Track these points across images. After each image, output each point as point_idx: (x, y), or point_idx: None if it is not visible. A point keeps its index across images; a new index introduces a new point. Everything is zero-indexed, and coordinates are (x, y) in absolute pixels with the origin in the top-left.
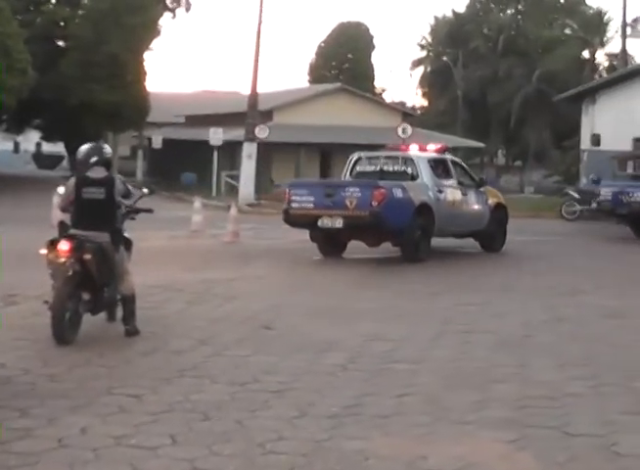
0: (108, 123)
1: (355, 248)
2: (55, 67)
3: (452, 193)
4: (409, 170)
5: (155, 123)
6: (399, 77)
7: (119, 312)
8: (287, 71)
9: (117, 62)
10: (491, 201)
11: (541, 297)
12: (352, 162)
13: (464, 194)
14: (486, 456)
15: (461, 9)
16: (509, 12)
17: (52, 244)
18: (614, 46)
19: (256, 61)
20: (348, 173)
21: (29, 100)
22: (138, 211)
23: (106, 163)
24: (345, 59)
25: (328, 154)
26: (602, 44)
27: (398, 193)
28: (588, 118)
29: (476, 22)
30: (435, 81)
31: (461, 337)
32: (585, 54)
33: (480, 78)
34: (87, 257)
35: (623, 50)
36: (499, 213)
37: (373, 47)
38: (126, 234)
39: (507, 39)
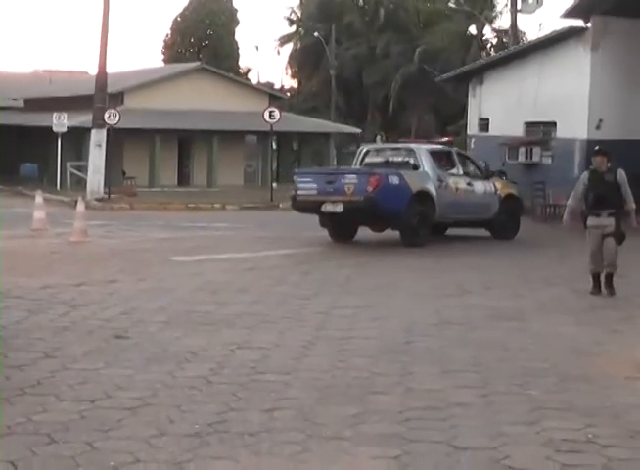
0: None
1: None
2: None
3: (455, 182)
4: (411, 161)
5: None
6: (266, 56)
7: None
8: (139, 49)
9: None
10: (501, 192)
11: (426, 298)
12: (362, 153)
13: (469, 184)
14: None
15: None
16: None
17: None
18: (503, 21)
19: (104, 37)
20: (358, 164)
21: None
22: None
23: None
24: (205, 35)
25: (187, 141)
26: (490, 19)
27: (394, 180)
28: (475, 101)
29: None
30: (306, 60)
31: (337, 344)
32: (472, 30)
33: (355, 56)
34: None
35: (514, 26)
36: (510, 204)
37: (237, 22)
38: None
39: (385, 13)
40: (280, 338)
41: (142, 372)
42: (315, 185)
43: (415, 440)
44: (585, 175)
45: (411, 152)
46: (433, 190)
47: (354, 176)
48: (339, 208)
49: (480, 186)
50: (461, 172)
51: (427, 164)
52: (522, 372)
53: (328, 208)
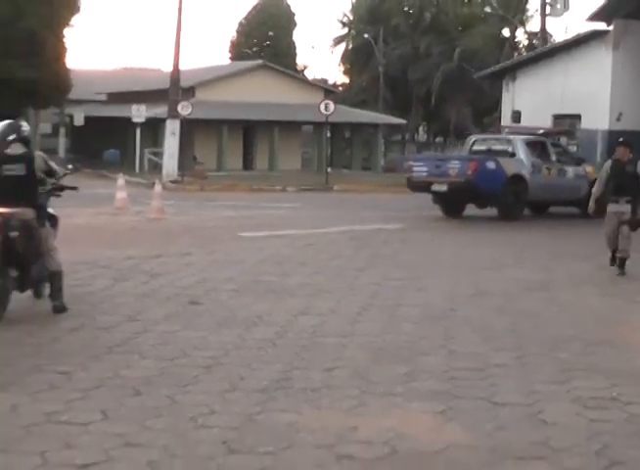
0: (27, 100)
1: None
2: None
3: (548, 167)
4: (509, 149)
5: (76, 100)
6: (321, 55)
7: (47, 290)
8: (208, 48)
9: (36, 38)
10: (591, 176)
11: (465, 270)
12: (471, 143)
13: (561, 169)
14: (416, 428)
15: None
16: None
17: None
18: (533, 25)
19: (178, 37)
20: (468, 151)
21: None
22: (63, 188)
23: (24, 139)
24: (267, 36)
25: (251, 130)
26: (522, 22)
27: (491, 165)
28: (509, 95)
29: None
30: (357, 58)
31: (387, 311)
32: (505, 32)
33: (400, 55)
34: (13, 234)
35: (543, 28)
36: None
37: (294, 24)
38: (51, 211)
39: (427, 17)
40: (337, 305)
41: (215, 334)
42: (426, 168)
43: (459, 396)
44: (608, 164)
45: (509, 142)
46: (526, 174)
47: (457, 161)
48: (444, 187)
49: (570, 171)
50: (554, 159)
51: (522, 152)
52: (552, 338)
53: (436, 187)
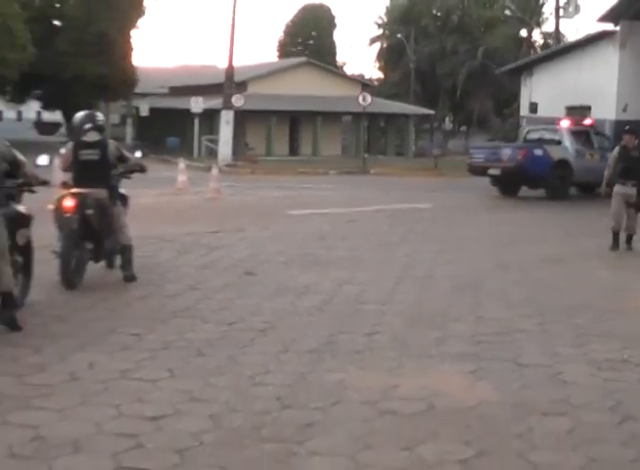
0: (99, 94)
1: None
2: (51, 44)
3: (591, 153)
4: (556, 138)
5: (142, 94)
6: (358, 53)
7: (118, 261)
8: (258, 47)
9: (107, 39)
10: None
11: (489, 245)
12: (525, 132)
13: (602, 155)
14: (449, 386)
15: None
16: None
17: (58, 201)
18: (548, 26)
19: (232, 37)
20: (522, 140)
21: (30, 73)
22: (132, 170)
23: (99, 128)
24: (310, 36)
25: (296, 120)
26: (538, 24)
27: (538, 152)
28: (527, 89)
29: (425, 3)
30: (390, 56)
31: (420, 281)
32: (523, 33)
33: (429, 53)
34: (89, 212)
35: (557, 29)
36: None
37: (334, 26)
38: (123, 191)
39: (453, 19)
40: (375, 276)
41: (268, 302)
42: (483, 155)
43: (486, 358)
44: (616, 150)
45: (556, 131)
46: (571, 159)
47: (509, 149)
48: (498, 171)
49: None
50: (596, 146)
51: (567, 140)
52: (568, 306)
53: (491, 171)
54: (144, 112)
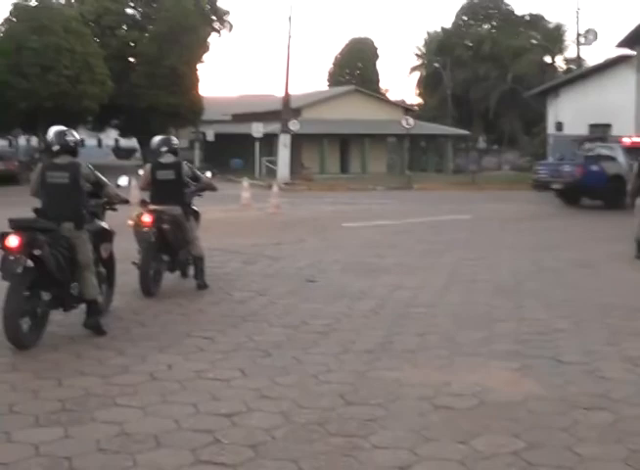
0: (170, 122)
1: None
2: (127, 78)
3: None
4: (611, 154)
5: (208, 121)
6: (399, 80)
7: (191, 271)
8: (310, 76)
9: (176, 73)
10: None
11: (525, 251)
12: (586, 149)
13: None
14: (497, 382)
15: (448, 25)
16: (485, 27)
17: (137, 217)
18: (570, 52)
19: (288, 69)
20: (584, 157)
21: (109, 105)
22: (204, 189)
23: (174, 151)
24: (356, 67)
25: (346, 142)
26: (560, 51)
27: (594, 168)
28: (553, 109)
29: (459, 35)
30: (429, 83)
31: (465, 285)
32: (547, 59)
33: (464, 80)
34: (165, 226)
35: (578, 55)
36: None
37: (378, 57)
38: (195, 207)
39: (484, 48)
40: (424, 281)
41: (328, 306)
42: (547, 171)
43: (530, 356)
44: (636, 165)
45: (611, 148)
46: (624, 174)
47: (568, 166)
48: (560, 186)
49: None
50: None
51: (620, 156)
52: (601, 306)
53: (554, 186)
54: (210, 137)
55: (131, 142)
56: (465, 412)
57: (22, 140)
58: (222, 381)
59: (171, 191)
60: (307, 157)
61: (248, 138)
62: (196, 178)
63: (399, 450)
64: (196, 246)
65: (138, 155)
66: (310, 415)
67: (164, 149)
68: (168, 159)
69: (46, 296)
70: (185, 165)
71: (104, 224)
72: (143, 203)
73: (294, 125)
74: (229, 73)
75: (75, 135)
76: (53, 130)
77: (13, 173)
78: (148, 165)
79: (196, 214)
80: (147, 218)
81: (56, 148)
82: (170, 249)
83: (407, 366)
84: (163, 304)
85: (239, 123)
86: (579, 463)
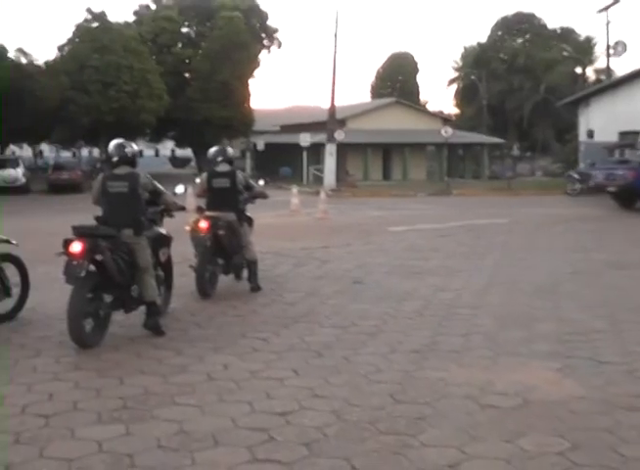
0: (223, 133)
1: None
2: (183, 93)
3: None
4: None
5: (258, 132)
6: (438, 92)
7: (245, 273)
8: (354, 89)
9: (228, 87)
10: None
11: (561, 254)
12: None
13: None
14: (540, 382)
15: (483, 40)
16: (519, 41)
17: (194, 223)
18: (600, 63)
19: (333, 82)
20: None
21: (165, 118)
22: (256, 197)
23: (229, 160)
24: (397, 80)
25: (388, 150)
26: (591, 62)
27: None
28: (584, 118)
29: (494, 49)
30: (465, 94)
31: (505, 286)
32: (578, 70)
33: (499, 91)
34: (220, 232)
35: (608, 66)
36: None
37: (418, 71)
38: (248, 213)
39: (518, 61)
40: (466, 283)
41: (375, 307)
42: (602, 176)
43: (570, 356)
44: None
45: None
46: None
47: (622, 170)
48: (614, 188)
49: None
50: None
51: None
52: (637, 306)
53: (609, 189)
54: (260, 146)
55: (186, 152)
56: (510, 411)
57: (84, 151)
58: (276, 380)
59: (226, 198)
60: (352, 165)
61: (295, 147)
62: (249, 187)
63: (448, 449)
64: (249, 250)
65: (193, 164)
66: (361, 414)
67: (220, 158)
68: (224, 168)
69: (108, 298)
70: (239, 174)
71: (162, 230)
72: (199, 209)
73: (339, 135)
74: (277, 86)
75: (134, 147)
76: (113, 143)
77: (76, 182)
78: (204, 174)
79: (249, 220)
80: (203, 224)
81: (115, 159)
82: (225, 253)
83: (453, 366)
84: (219, 305)
85: (287, 134)
86: (623, 464)
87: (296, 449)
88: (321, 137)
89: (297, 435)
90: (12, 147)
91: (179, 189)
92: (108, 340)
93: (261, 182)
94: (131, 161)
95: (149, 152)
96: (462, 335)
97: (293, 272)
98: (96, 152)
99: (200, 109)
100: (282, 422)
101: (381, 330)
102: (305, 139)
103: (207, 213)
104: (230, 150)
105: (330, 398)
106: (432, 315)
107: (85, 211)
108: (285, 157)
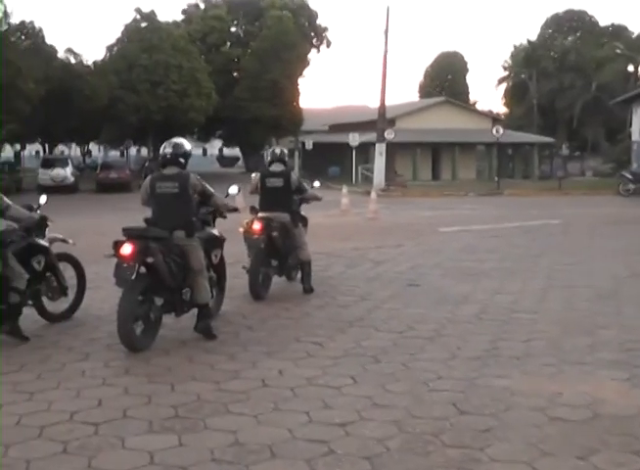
0: (271, 132)
1: None
2: (231, 92)
3: None
4: None
5: (307, 131)
6: (487, 92)
7: (297, 275)
8: (401, 88)
9: (278, 86)
10: None
11: (618, 256)
12: None
13: None
14: (608, 393)
15: (533, 38)
16: (570, 38)
17: (248, 224)
18: None
19: (384, 81)
20: None
21: (213, 117)
22: (309, 200)
23: (282, 160)
24: (446, 79)
25: (437, 150)
26: None
27: None
28: (637, 117)
29: (545, 47)
30: (515, 93)
31: (564, 290)
32: (630, 68)
33: (549, 90)
34: (274, 234)
35: None
36: None
37: (467, 70)
38: (303, 213)
39: (569, 59)
40: (523, 286)
41: (431, 311)
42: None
43: (637, 365)
44: None
45: None
46: None
47: None
48: None
49: None
50: None
51: None
52: None
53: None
54: (309, 146)
55: (234, 151)
56: (580, 425)
57: (132, 151)
58: (333, 388)
59: (279, 198)
60: (400, 164)
61: (344, 147)
62: (301, 190)
63: (517, 464)
64: (304, 251)
65: (240, 163)
66: (424, 425)
67: (275, 158)
68: (278, 167)
69: (159, 301)
70: (293, 175)
71: (215, 231)
72: (253, 210)
73: (389, 134)
74: (325, 86)
75: (186, 147)
76: (165, 143)
77: (124, 182)
78: (258, 173)
79: (304, 220)
80: (257, 226)
81: (166, 159)
82: (279, 254)
83: (515, 374)
84: (271, 307)
85: (335, 133)
86: None
87: (357, 464)
88: (370, 137)
89: (358, 448)
90: (60, 147)
91: (233, 190)
92: (158, 343)
93: (317, 183)
94: (182, 161)
95: (197, 151)
96: (523, 341)
97: (345, 273)
98: (144, 151)
99: (248, 108)
100: (341, 433)
101: (439, 334)
102: (355, 139)
103: (261, 215)
104: (285, 150)
105: (390, 407)
106: (491, 320)
107: (134, 211)
108: (333, 156)
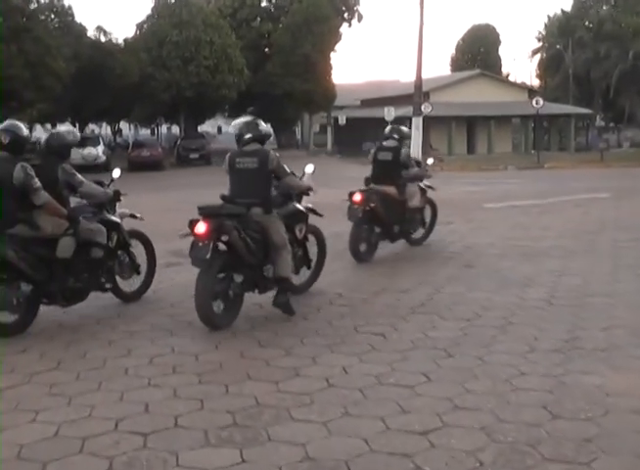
0: (304, 108)
1: None
2: (263, 67)
3: None
4: None
5: (339, 106)
6: (519, 64)
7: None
8: (432, 62)
9: (310, 61)
10: None
11: None
12: None
13: None
14: None
15: (567, 8)
16: (605, 7)
17: (350, 196)
18: None
19: (420, 53)
20: None
21: (245, 93)
22: (416, 177)
23: (397, 137)
24: (478, 52)
25: (472, 123)
26: None
27: None
28: None
29: (579, 16)
30: (550, 64)
31: (633, 271)
32: None
33: (584, 60)
34: (372, 204)
35: None
36: None
37: (499, 42)
38: (425, 185)
39: (605, 28)
40: (588, 266)
41: (496, 295)
42: None
43: None
44: None
45: None
46: None
47: None
48: None
49: None
50: None
51: None
52: None
53: None
54: (341, 121)
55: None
56: None
57: (163, 129)
58: (406, 388)
59: (388, 172)
60: (435, 138)
61: (377, 122)
62: (406, 166)
63: None
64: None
65: (272, 139)
66: (516, 433)
67: (390, 134)
68: (390, 143)
69: (238, 278)
70: (404, 151)
71: (299, 206)
72: (367, 180)
73: (426, 108)
74: (355, 60)
75: (265, 126)
76: (242, 120)
77: (157, 160)
78: (375, 148)
79: (423, 191)
80: (357, 197)
81: (247, 137)
82: (382, 222)
83: (605, 370)
84: (324, 294)
85: (367, 108)
86: None
87: None
88: (405, 110)
89: (448, 462)
90: (91, 126)
91: (309, 168)
92: (205, 335)
93: (430, 161)
94: (261, 139)
95: (227, 128)
96: (603, 329)
97: (399, 254)
98: (175, 129)
99: (280, 83)
100: (425, 444)
101: (510, 322)
102: (390, 113)
103: (367, 187)
104: (403, 128)
105: (474, 410)
106: (563, 305)
107: (169, 189)
108: (366, 131)
